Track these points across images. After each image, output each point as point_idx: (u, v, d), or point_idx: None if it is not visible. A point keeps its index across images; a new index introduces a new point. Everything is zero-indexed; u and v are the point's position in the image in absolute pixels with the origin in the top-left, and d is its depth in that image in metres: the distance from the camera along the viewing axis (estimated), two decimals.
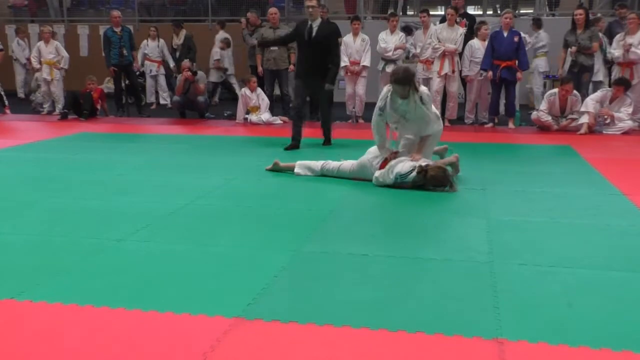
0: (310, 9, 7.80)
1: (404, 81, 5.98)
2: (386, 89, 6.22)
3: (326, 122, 8.49)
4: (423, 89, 6.19)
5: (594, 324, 3.06)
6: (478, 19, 11.80)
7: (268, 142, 8.77)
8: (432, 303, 3.29)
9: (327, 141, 8.48)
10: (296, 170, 6.60)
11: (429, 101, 6.16)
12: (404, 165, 5.90)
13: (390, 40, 10.91)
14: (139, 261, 3.97)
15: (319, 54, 7.89)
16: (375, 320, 3.06)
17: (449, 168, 6.13)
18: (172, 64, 13.51)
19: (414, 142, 6.20)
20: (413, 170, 5.83)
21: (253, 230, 4.71)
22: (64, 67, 12.58)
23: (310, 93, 8.39)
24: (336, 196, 5.73)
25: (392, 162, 5.97)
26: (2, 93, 12.69)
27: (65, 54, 12.62)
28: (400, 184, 5.87)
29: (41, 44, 12.43)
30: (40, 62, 12.37)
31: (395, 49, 10.89)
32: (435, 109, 6.53)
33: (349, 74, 10.97)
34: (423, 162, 5.95)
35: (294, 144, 8.11)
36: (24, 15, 18.23)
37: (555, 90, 10.17)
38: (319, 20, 7.88)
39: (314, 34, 7.84)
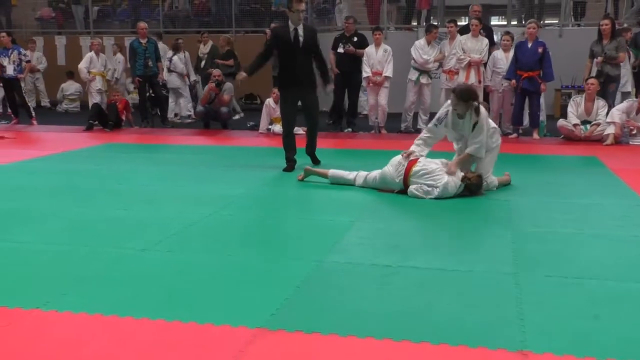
0: (301, 14, 7.42)
1: (459, 95, 6.06)
2: (447, 104, 6.29)
3: (314, 137, 7.84)
4: (483, 116, 6.17)
5: (621, 336, 3.02)
6: (503, 30, 11.74)
7: None
8: (456, 314, 3.27)
9: (314, 156, 7.78)
10: (329, 179, 6.61)
11: (483, 128, 6.15)
12: (448, 180, 5.90)
13: (429, 53, 10.86)
14: (162, 271, 3.98)
15: (307, 59, 7.50)
16: (399, 331, 3.04)
17: (494, 181, 6.35)
18: (192, 78, 13.57)
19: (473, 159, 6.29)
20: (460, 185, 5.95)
21: (276, 240, 4.71)
22: (109, 79, 12.73)
23: (299, 102, 7.66)
24: (359, 206, 5.72)
25: (420, 172, 5.95)
26: (30, 104, 12.84)
27: (110, 66, 12.79)
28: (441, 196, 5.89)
29: (92, 55, 12.55)
30: (88, 73, 12.49)
31: (435, 60, 10.88)
32: (494, 124, 6.55)
33: (371, 84, 10.95)
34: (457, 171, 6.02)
35: (291, 165, 7.54)
36: (51, 27, 18.47)
37: (581, 95, 10.09)
38: (301, 24, 7.47)
39: (301, 38, 7.39)
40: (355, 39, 11.08)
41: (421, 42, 10.99)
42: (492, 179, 6.27)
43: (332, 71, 10.28)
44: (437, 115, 6.37)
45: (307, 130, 7.92)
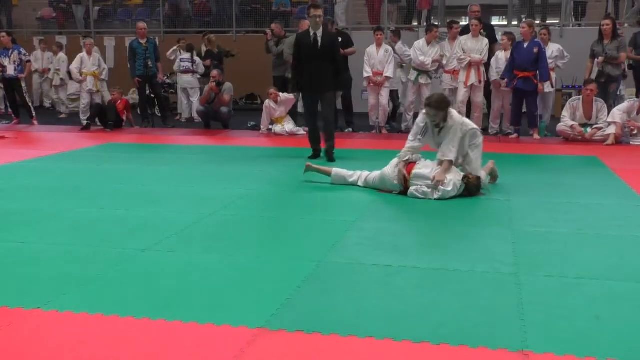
0: (317, 19, 7.84)
1: (437, 106, 6.05)
2: (422, 117, 6.25)
3: (331, 135, 8.14)
4: (455, 120, 6.18)
5: (621, 336, 3.02)
6: (503, 30, 11.74)
7: (291, 153, 8.78)
8: (456, 315, 3.27)
9: (331, 155, 8.01)
10: (332, 178, 6.64)
11: (456, 132, 6.15)
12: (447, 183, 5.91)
13: (427, 52, 10.84)
14: (163, 271, 3.98)
15: (325, 63, 7.89)
16: (399, 331, 3.04)
17: (487, 176, 6.38)
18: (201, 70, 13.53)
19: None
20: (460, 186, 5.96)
21: (276, 240, 4.71)
22: (105, 79, 12.68)
23: (317, 103, 8.12)
24: (359, 207, 5.72)
25: (419, 173, 5.98)
26: (30, 104, 12.84)
27: (105, 65, 12.74)
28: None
29: (84, 55, 12.50)
30: (81, 74, 12.44)
31: (433, 61, 10.85)
32: (473, 124, 6.49)
33: (371, 84, 10.94)
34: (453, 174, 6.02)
35: (316, 154, 8.21)
36: (52, 27, 18.46)
37: (578, 97, 10.11)
38: (321, 29, 7.90)
39: (319, 43, 7.86)
40: (339, 39, 11.05)
41: (420, 42, 10.98)
42: (482, 174, 6.27)
43: None
44: (416, 129, 6.30)
45: (323, 131, 8.23)
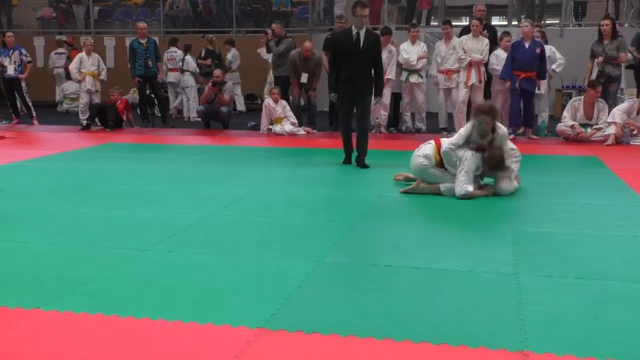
0: (364, 18, 7.61)
1: (490, 114, 6.06)
2: (470, 125, 6.15)
3: (365, 142, 7.73)
4: (502, 131, 6.20)
5: (621, 336, 3.02)
6: (502, 30, 11.74)
7: (291, 153, 8.79)
8: (456, 315, 3.27)
9: (363, 161, 7.65)
10: (444, 193, 6.20)
11: (504, 142, 6.19)
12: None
13: (412, 51, 10.86)
14: (163, 271, 3.98)
15: (366, 63, 7.60)
16: (399, 331, 3.04)
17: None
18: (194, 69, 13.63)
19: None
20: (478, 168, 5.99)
21: (277, 240, 4.71)
22: (103, 79, 12.66)
23: (353, 104, 7.77)
24: (360, 207, 5.72)
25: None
26: (30, 104, 12.84)
27: (104, 65, 12.74)
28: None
29: (83, 55, 12.48)
30: (79, 73, 12.42)
31: (419, 58, 10.86)
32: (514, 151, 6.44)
33: None
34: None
35: (349, 159, 7.83)
36: (52, 27, 18.47)
37: (580, 97, 10.10)
38: (364, 29, 7.62)
39: (362, 42, 7.54)
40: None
41: (405, 44, 11.01)
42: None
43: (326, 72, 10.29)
44: (457, 138, 6.19)
45: (357, 136, 7.82)
